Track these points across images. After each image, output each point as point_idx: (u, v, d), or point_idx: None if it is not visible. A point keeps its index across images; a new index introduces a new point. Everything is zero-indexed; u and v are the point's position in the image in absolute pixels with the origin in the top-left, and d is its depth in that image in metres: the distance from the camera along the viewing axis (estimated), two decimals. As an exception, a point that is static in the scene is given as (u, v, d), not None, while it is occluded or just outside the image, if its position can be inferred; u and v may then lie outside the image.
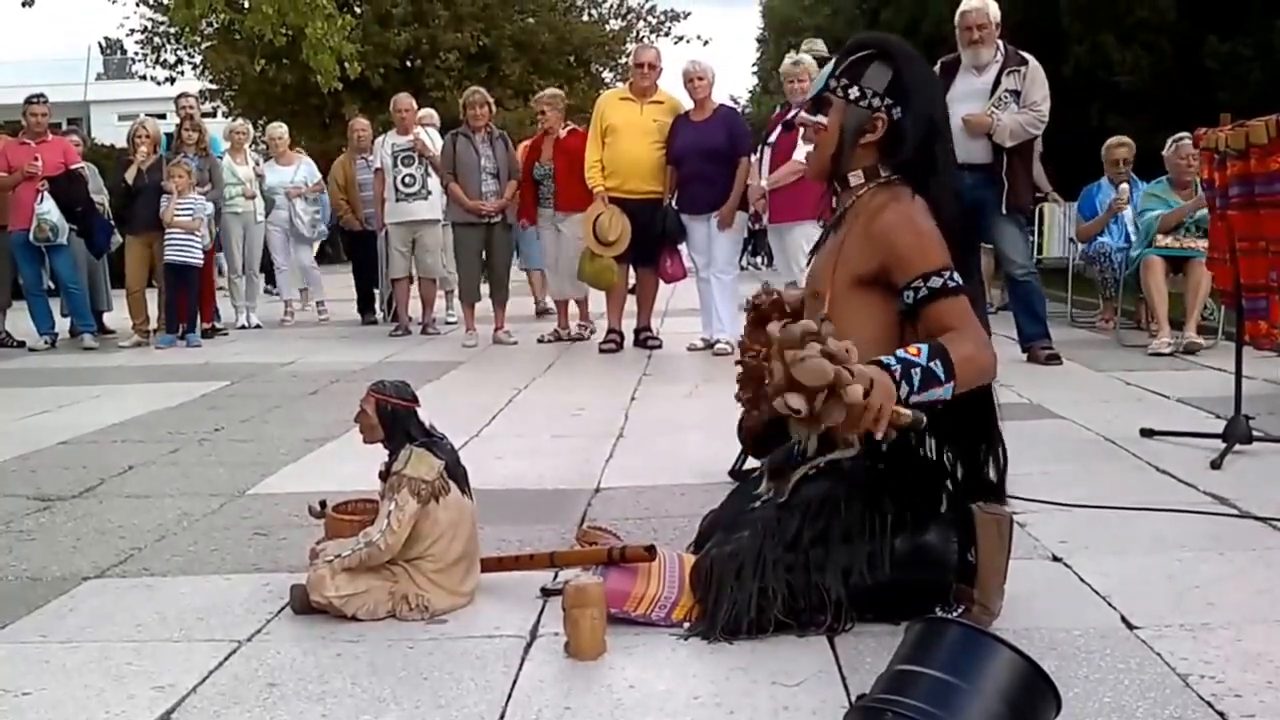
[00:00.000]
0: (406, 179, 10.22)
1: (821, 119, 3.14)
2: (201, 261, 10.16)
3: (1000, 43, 7.50)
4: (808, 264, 3.43)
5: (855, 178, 3.11)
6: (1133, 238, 8.85)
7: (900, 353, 2.77)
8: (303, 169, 12.33)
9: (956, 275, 2.91)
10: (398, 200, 10.31)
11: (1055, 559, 3.48)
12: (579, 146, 9.40)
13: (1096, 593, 3.16)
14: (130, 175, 10.06)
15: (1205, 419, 5.45)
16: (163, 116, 13.24)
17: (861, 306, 3.01)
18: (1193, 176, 8.08)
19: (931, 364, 2.75)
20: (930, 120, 3.05)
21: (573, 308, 10.18)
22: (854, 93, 3.07)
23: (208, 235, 10.40)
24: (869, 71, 3.06)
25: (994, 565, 2.89)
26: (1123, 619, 2.95)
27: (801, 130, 3.32)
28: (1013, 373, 7.00)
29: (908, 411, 2.67)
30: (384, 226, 10.69)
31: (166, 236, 9.89)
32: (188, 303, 10.14)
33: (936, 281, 2.90)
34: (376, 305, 12.00)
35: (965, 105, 7.43)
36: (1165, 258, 8.15)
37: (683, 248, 9.06)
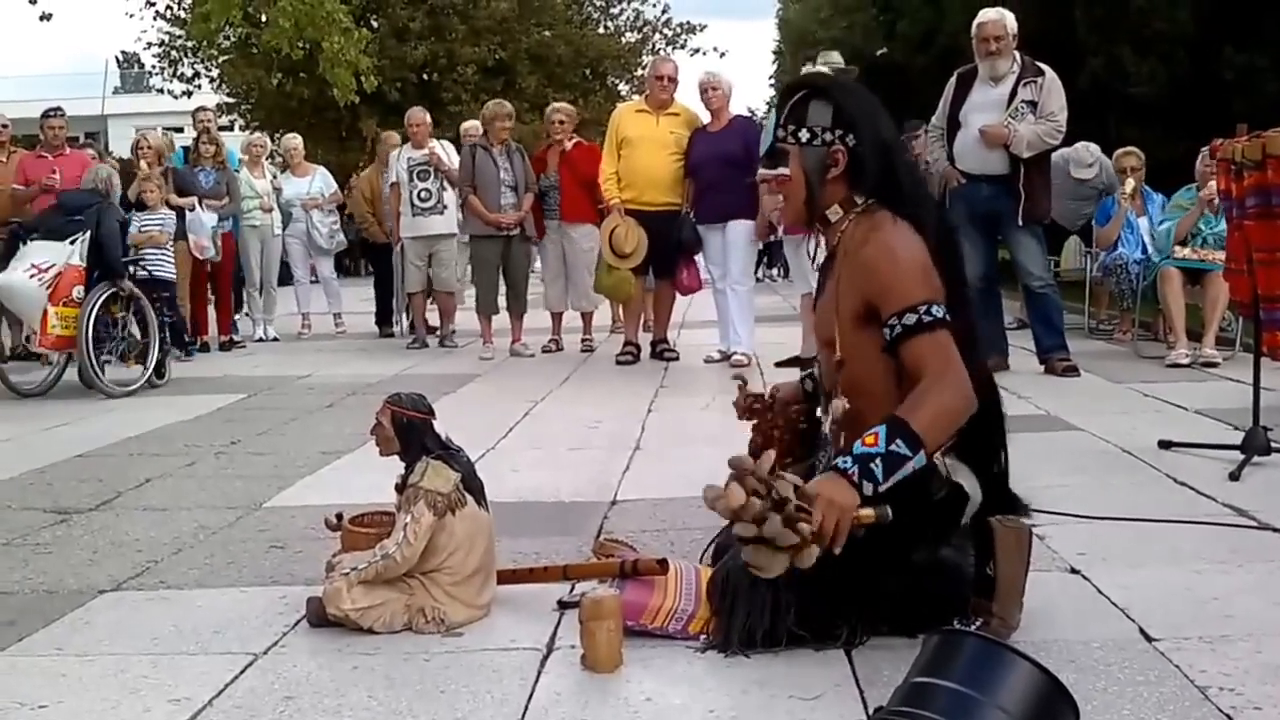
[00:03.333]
0: (422, 193, 10.21)
1: (783, 170, 3.15)
2: (174, 275, 9.82)
3: (1017, 54, 7.49)
4: (815, 304, 3.41)
5: (834, 213, 3.10)
6: (1149, 249, 8.82)
7: (858, 446, 2.77)
8: (318, 180, 12.33)
9: (935, 308, 2.86)
10: (414, 215, 10.31)
11: (1073, 571, 3.46)
12: (583, 158, 9.43)
13: (1115, 605, 3.15)
14: (134, 191, 10.05)
15: (1223, 430, 5.42)
16: (180, 130, 13.35)
17: (869, 345, 2.98)
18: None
19: (893, 446, 2.73)
20: (882, 140, 3.05)
21: (572, 319, 10.23)
22: (804, 135, 3.07)
23: (212, 248, 10.40)
24: (811, 110, 3.07)
25: (1012, 577, 2.88)
26: (1141, 631, 2.94)
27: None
28: (1030, 384, 6.99)
29: (869, 511, 2.69)
30: (399, 240, 10.70)
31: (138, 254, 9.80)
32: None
33: (910, 318, 2.86)
34: (394, 318, 12.00)
35: (982, 116, 7.44)
36: (1183, 269, 8.12)
37: (700, 259, 9.07)
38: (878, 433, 2.76)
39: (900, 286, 2.88)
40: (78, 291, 7.84)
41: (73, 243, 7.90)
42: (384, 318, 12.11)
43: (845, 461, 2.76)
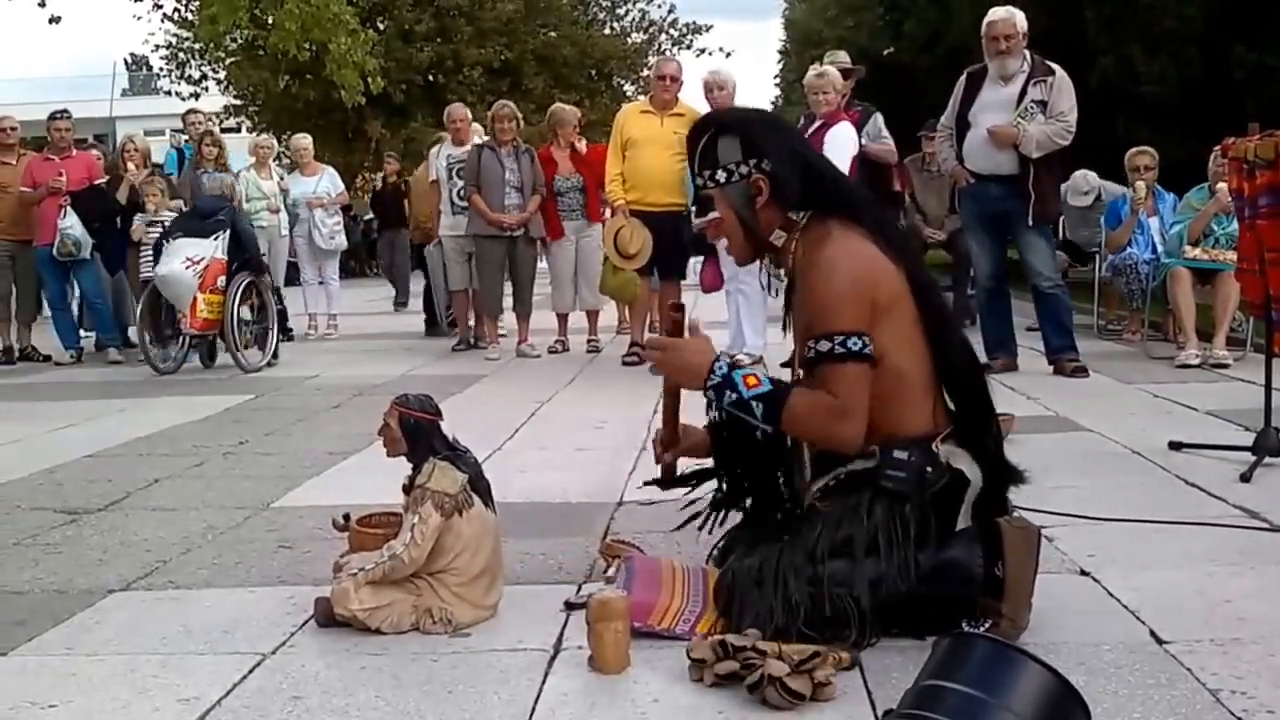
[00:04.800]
0: (461, 192, 10.05)
1: (714, 214, 3.17)
2: None
3: (1027, 53, 7.46)
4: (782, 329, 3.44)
5: (777, 238, 3.12)
6: (1159, 249, 8.79)
7: (739, 372, 2.96)
8: (324, 180, 12.28)
9: (851, 341, 2.87)
10: (453, 213, 10.11)
11: (1083, 573, 3.45)
12: (600, 159, 9.43)
13: (1125, 607, 3.13)
14: (123, 194, 10.05)
15: (1234, 431, 5.41)
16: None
17: None
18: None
19: (753, 401, 2.92)
20: (793, 152, 3.08)
21: (578, 320, 10.21)
22: (720, 175, 3.10)
23: None
24: (720, 149, 3.10)
25: (1022, 579, 2.87)
26: (1152, 634, 2.93)
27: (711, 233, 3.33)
28: (1039, 385, 6.98)
29: (846, 655, 2.72)
30: (437, 238, 10.64)
31: (140, 253, 9.84)
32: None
33: (825, 345, 2.89)
34: (437, 316, 11.90)
35: (991, 116, 7.42)
36: (1193, 269, 8.09)
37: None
38: (763, 381, 2.94)
39: (826, 311, 2.91)
40: (220, 281, 9.00)
41: (215, 239, 9.05)
42: (431, 320, 12.00)
43: (723, 364, 2.97)
